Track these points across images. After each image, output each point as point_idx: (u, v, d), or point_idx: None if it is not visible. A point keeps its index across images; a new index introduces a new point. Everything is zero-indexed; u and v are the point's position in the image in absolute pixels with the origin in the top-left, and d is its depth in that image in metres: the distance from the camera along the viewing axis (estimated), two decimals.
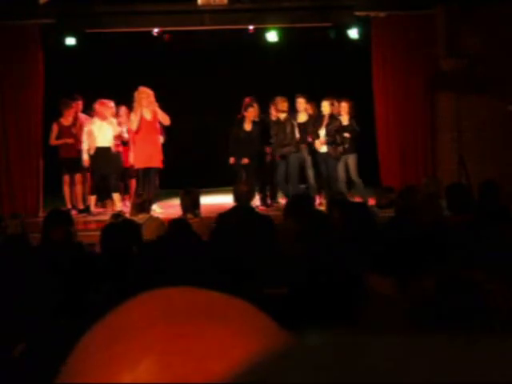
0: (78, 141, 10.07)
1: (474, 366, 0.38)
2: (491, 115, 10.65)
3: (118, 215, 6.89)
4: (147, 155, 9.74)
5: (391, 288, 2.96)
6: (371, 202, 9.24)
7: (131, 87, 9.87)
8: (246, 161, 10.28)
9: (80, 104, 10.46)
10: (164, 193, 10.75)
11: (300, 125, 10.36)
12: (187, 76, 12.68)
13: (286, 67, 12.41)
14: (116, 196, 10.10)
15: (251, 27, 11.36)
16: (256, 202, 10.07)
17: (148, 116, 9.83)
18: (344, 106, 10.22)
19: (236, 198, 8.40)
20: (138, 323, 0.45)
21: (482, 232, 3.75)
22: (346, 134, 10.05)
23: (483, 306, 2.56)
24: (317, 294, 3.04)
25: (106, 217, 9.43)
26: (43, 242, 5.44)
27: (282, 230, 4.75)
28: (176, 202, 9.97)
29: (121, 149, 10.36)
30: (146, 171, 9.85)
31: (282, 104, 10.24)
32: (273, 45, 11.73)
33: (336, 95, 10.49)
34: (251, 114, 10.40)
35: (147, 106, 9.75)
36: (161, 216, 8.59)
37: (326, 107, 10.26)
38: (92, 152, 9.90)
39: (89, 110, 10.38)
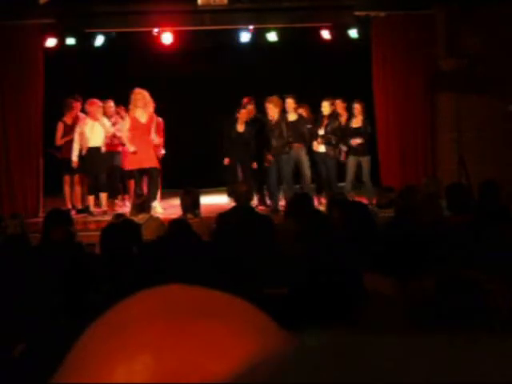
0: None
1: (473, 366, 0.38)
2: (491, 115, 10.65)
3: (120, 216, 6.89)
4: (140, 157, 9.70)
5: (391, 288, 2.96)
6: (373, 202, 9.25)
7: (131, 87, 9.87)
8: (255, 165, 10.33)
9: (80, 104, 10.46)
10: (164, 193, 10.75)
11: (290, 124, 10.30)
12: (187, 76, 12.68)
13: (286, 67, 12.41)
14: (104, 195, 10.16)
15: (251, 27, 11.37)
16: (254, 202, 10.07)
17: (143, 118, 9.80)
18: (357, 107, 10.22)
19: (236, 198, 8.41)
20: (135, 319, 0.45)
21: (482, 232, 3.76)
22: (358, 140, 10.03)
23: (483, 306, 2.56)
24: (317, 294, 3.04)
25: (107, 217, 9.44)
26: (43, 242, 5.44)
27: (281, 230, 4.75)
28: (176, 202, 9.97)
29: (120, 149, 10.36)
30: (142, 171, 9.84)
31: (276, 104, 10.21)
32: (273, 45, 11.73)
33: (335, 95, 10.51)
34: (243, 115, 10.42)
35: (142, 108, 9.72)
36: (161, 216, 8.60)
37: (326, 107, 10.26)
38: (84, 152, 9.94)
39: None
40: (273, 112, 10.19)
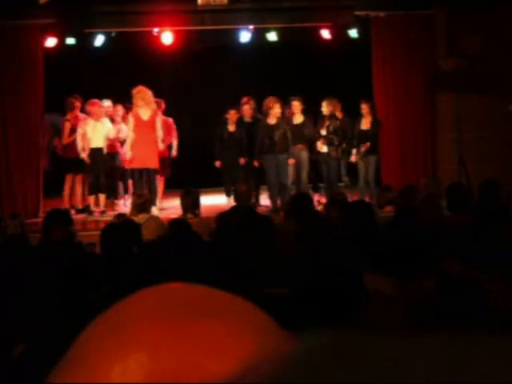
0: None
1: (474, 366, 0.38)
2: (491, 115, 10.65)
3: (121, 216, 6.88)
4: (142, 156, 9.66)
5: (391, 288, 2.96)
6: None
7: (131, 87, 9.86)
8: (242, 161, 10.34)
9: (79, 104, 10.45)
10: (164, 193, 10.75)
11: (295, 126, 10.34)
12: (187, 76, 12.68)
13: (286, 67, 12.41)
14: (102, 196, 10.14)
15: (251, 27, 11.37)
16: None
17: (145, 116, 9.75)
18: (364, 108, 10.23)
19: (236, 198, 8.41)
20: (134, 318, 0.45)
21: (482, 232, 3.75)
22: (367, 144, 10.04)
23: (483, 306, 2.56)
24: (317, 294, 3.04)
25: (105, 217, 9.44)
26: (43, 242, 5.44)
27: (281, 230, 4.75)
28: (176, 202, 9.97)
29: (120, 150, 10.37)
30: (142, 172, 9.80)
31: (276, 106, 10.15)
32: (273, 45, 11.74)
33: (335, 95, 10.51)
34: (233, 115, 10.43)
35: (144, 106, 9.69)
36: (160, 216, 8.60)
37: (325, 107, 10.27)
38: (87, 154, 9.91)
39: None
40: (279, 112, 10.17)
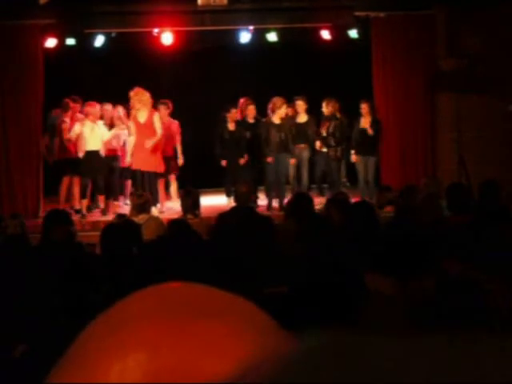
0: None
1: (474, 366, 0.38)
2: (491, 115, 10.65)
3: (122, 216, 6.88)
4: (142, 159, 9.61)
5: (391, 288, 2.96)
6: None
7: (131, 87, 9.85)
8: (242, 161, 10.35)
9: (78, 105, 10.42)
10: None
11: (299, 125, 10.42)
12: (187, 76, 12.67)
13: (286, 67, 12.40)
14: (101, 198, 10.10)
15: (251, 27, 11.37)
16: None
17: (142, 119, 9.69)
18: (364, 107, 10.23)
19: (236, 198, 8.41)
20: (134, 317, 0.45)
21: (482, 232, 3.75)
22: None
23: (483, 306, 2.56)
24: (317, 294, 3.04)
25: (105, 217, 9.41)
26: (43, 242, 5.43)
27: (281, 230, 4.75)
28: (176, 203, 9.99)
29: (119, 152, 10.34)
30: (143, 174, 9.73)
31: (284, 107, 10.21)
32: (273, 45, 11.74)
33: (335, 95, 10.52)
34: (233, 114, 10.43)
35: (141, 108, 9.62)
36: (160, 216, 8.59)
37: (325, 108, 10.28)
38: (82, 155, 9.86)
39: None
40: (284, 112, 10.23)
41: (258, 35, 11.59)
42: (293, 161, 10.28)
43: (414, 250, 3.15)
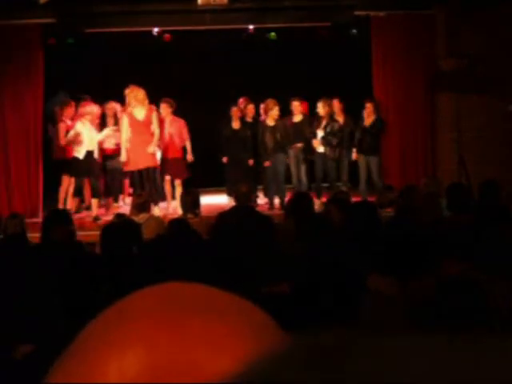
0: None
1: (474, 366, 0.37)
2: (491, 115, 10.65)
3: (121, 216, 6.88)
4: (138, 157, 9.43)
5: (391, 288, 2.96)
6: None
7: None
8: (251, 162, 10.36)
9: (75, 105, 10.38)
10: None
11: (295, 124, 10.46)
12: (187, 76, 12.68)
13: (286, 67, 12.41)
14: (94, 202, 9.84)
15: (251, 27, 11.37)
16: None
17: (139, 116, 9.52)
18: (368, 107, 10.24)
19: (236, 198, 8.41)
20: (132, 314, 0.45)
21: (482, 232, 3.75)
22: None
23: (483, 306, 2.56)
24: (317, 294, 3.04)
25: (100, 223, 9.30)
26: (43, 242, 5.43)
27: (281, 229, 4.75)
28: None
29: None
30: (143, 172, 9.60)
31: (276, 108, 10.27)
32: (272, 44, 11.74)
33: (335, 95, 10.53)
34: (236, 112, 10.44)
35: (137, 106, 9.45)
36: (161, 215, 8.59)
37: (321, 108, 10.28)
38: (77, 155, 9.66)
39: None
40: (277, 114, 10.29)
41: (258, 35, 11.60)
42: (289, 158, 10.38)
43: (413, 250, 3.15)
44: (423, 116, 10.92)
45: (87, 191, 10.23)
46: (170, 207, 10.16)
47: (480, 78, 10.63)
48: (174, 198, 10.17)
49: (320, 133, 10.27)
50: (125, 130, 9.55)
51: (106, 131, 10.02)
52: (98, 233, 5.05)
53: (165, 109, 10.09)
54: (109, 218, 9.35)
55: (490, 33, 10.59)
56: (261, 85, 11.74)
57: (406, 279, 2.98)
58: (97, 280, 3.61)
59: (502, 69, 10.61)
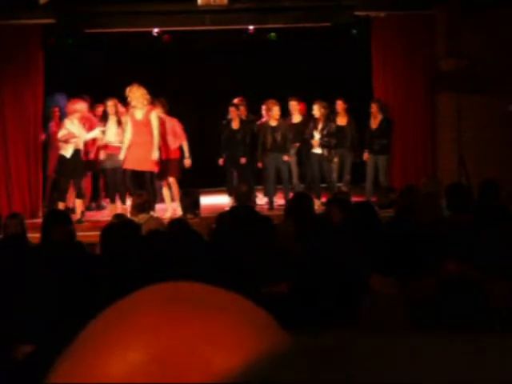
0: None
1: (474, 366, 0.38)
2: (491, 115, 10.65)
3: (120, 216, 6.88)
4: (137, 158, 9.27)
5: (392, 288, 2.96)
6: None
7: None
8: (243, 160, 10.35)
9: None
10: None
11: (294, 125, 10.49)
12: (187, 76, 12.68)
13: (286, 67, 12.41)
14: (78, 202, 9.64)
15: (251, 27, 11.37)
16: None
17: (139, 116, 9.39)
18: (373, 107, 10.24)
19: (236, 198, 8.42)
20: (134, 311, 0.45)
21: (482, 232, 3.75)
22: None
23: (483, 306, 2.56)
24: (317, 294, 3.04)
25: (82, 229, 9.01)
26: (43, 242, 5.43)
27: (281, 230, 4.75)
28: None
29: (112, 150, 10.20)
30: (136, 174, 9.49)
31: (275, 108, 10.29)
32: (273, 45, 11.74)
33: (335, 95, 10.53)
34: (233, 112, 10.43)
35: (137, 105, 9.33)
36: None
37: (316, 110, 10.29)
38: (64, 153, 9.49)
39: (91, 111, 10.36)
40: (278, 114, 10.30)
41: (258, 35, 11.60)
42: (290, 158, 10.38)
43: (414, 250, 3.15)
44: (423, 116, 10.93)
45: (71, 192, 9.96)
46: (169, 210, 9.97)
47: (480, 77, 10.63)
48: (172, 199, 10.02)
49: (317, 135, 10.29)
50: (127, 129, 9.46)
51: (95, 132, 9.83)
52: (98, 233, 5.05)
53: (158, 109, 9.84)
54: (100, 218, 9.31)
55: (490, 33, 10.60)
56: (261, 85, 11.74)
57: (406, 279, 2.98)
58: (97, 280, 3.61)
59: (502, 69, 10.61)
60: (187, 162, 10.03)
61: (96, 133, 9.85)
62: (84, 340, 0.46)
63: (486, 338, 0.41)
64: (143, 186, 9.30)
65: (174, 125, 10.01)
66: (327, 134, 10.21)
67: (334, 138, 10.20)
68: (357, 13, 10.84)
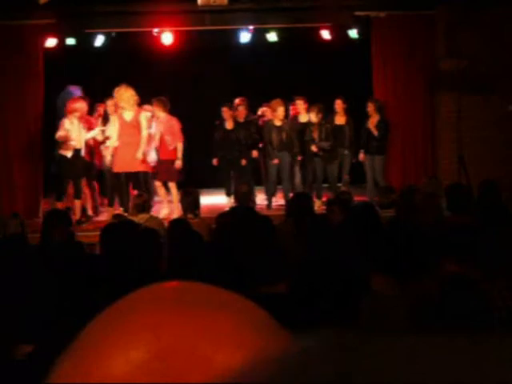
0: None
1: (474, 366, 0.38)
2: (491, 115, 10.65)
3: (119, 216, 6.88)
4: (126, 160, 9.19)
5: (392, 288, 2.96)
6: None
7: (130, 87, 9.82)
8: (244, 162, 10.35)
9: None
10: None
11: (300, 125, 10.50)
12: (187, 76, 12.68)
13: (286, 67, 12.41)
14: (77, 203, 9.57)
15: (251, 27, 11.37)
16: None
17: (128, 117, 9.32)
18: (370, 106, 10.24)
19: (236, 198, 8.41)
20: (135, 309, 0.45)
21: (482, 232, 3.75)
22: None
23: (483, 306, 2.56)
24: (317, 294, 3.03)
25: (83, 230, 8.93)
26: (43, 242, 5.44)
27: (281, 229, 4.75)
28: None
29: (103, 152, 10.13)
30: (129, 176, 9.40)
31: (280, 109, 10.30)
32: (273, 45, 11.74)
33: (335, 95, 10.54)
34: (226, 113, 10.41)
35: (125, 106, 9.27)
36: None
37: (313, 117, 10.30)
38: (64, 153, 9.44)
39: (92, 111, 10.35)
40: (282, 114, 10.29)
41: (258, 35, 11.60)
42: (299, 158, 10.39)
43: (414, 250, 3.15)
44: (423, 116, 10.93)
45: (70, 192, 9.86)
46: (164, 207, 9.95)
47: (480, 78, 10.63)
48: (171, 201, 9.97)
49: (316, 137, 10.32)
50: (112, 129, 9.37)
51: (95, 131, 9.79)
52: (97, 233, 5.05)
53: (157, 108, 9.83)
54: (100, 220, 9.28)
55: (490, 33, 10.59)
56: (260, 85, 11.74)
57: (406, 279, 2.98)
58: (97, 280, 3.61)
59: (502, 69, 10.61)
60: (178, 164, 9.84)
61: (96, 132, 9.81)
62: (84, 339, 0.46)
63: (486, 338, 0.41)
64: (138, 187, 9.27)
65: (172, 124, 9.96)
66: (325, 137, 10.23)
67: (328, 140, 10.20)
68: (357, 13, 10.84)
